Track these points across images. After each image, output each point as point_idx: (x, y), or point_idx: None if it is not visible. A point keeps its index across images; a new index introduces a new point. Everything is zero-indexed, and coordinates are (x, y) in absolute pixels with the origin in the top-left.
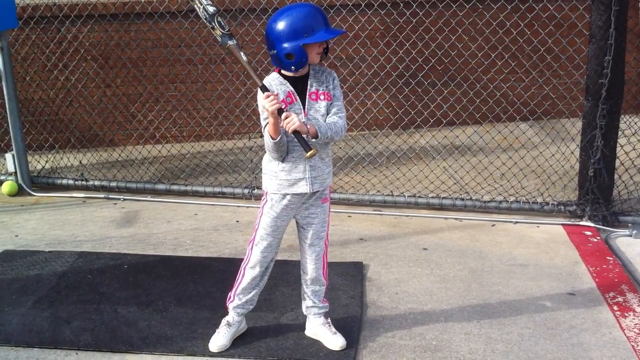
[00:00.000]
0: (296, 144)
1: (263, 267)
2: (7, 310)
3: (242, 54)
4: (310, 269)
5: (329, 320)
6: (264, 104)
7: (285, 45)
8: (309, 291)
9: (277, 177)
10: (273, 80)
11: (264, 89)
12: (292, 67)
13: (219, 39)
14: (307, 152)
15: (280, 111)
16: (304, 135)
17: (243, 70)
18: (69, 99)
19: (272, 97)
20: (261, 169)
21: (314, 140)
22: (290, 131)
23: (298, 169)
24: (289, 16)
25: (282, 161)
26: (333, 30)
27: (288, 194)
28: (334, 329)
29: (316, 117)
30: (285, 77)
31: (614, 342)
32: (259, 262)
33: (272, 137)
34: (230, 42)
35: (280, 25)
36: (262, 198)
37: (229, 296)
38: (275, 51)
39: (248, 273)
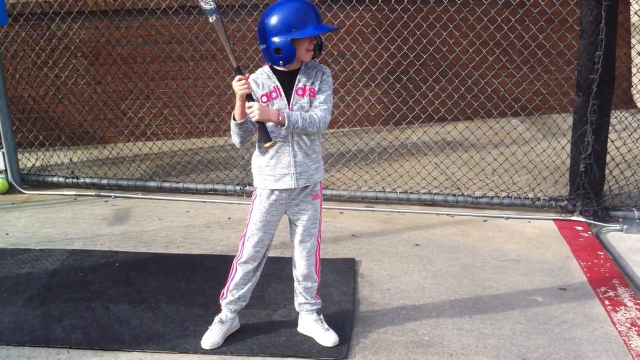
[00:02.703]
0: (280, 140)
1: (255, 262)
2: None
3: (224, 31)
4: (302, 265)
5: (322, 316)
6: (233, 86)
7: (275, 39)
8: (300, 288)
9: (262, 172)
10: (261, 73)
11: (238, 71)
12: (281, 62)
13: (202, 5)
14: (265, 143)
15: (249, 97)
16: (277, 125)
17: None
18: (59, 96)
19: (243, 80)
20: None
21: (283, 129)
22: (252, 120)
23: (282, 164)
24: (280, 11)
25: (264, 155)
26: (323, 27)
27: (275, 190)
28: (326, 326)
29: None
30: (275, 71)
31: (606, 337)
32: (250, 258)
33: (234, 118)
34: (213, 18)
35: (271, 19)
36: (253, 193)
37: (221, 293)
38: (265, 45)
39: (240, 269)
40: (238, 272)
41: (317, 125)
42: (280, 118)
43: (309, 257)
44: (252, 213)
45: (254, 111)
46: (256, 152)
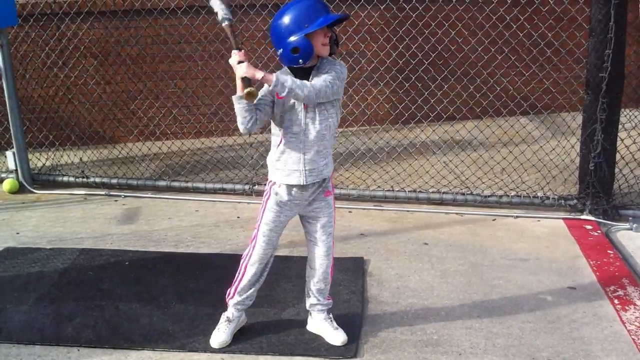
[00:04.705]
0: (292, 137)
1: (263, 263)
2: (9, 307)
3: (232, 32)
4: (320, 265)
5: (331, 315)
6: (230, 61)
7: (290, 40)
8: (314, 289)
9: (274, 167)
10: (281, 72)
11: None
12: (300, 61)
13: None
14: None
15: (247, 81)
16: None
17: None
18: (69, 96)
19: (240, 54)
20: (262, 165)
21: (271, 88)
22: (238, 76)
23: (293, 160)
24: (289, 11)
25: (277, 149)
26: (332, 16)
27: (289, 186)
28: (335, 324)
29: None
30: (292, 70)
31: (615, 336)
32: (260, 259)
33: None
34: (225, 23)
35: (281, 22)
36: (265, 193)
37: (228, 293)
38: (281, 50)
39: (249, 270)
40: (247, 273)
41: (307, 90)
42: (265, 76)
43: (327, 256)
44: (265, 213)
45: (242, 68)
46: (273, 145)
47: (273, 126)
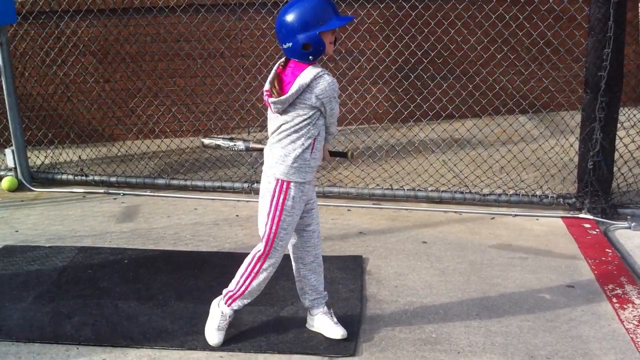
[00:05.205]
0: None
1: (275, 267)
2: (8, 305)
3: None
4: (315, 254)
5: (332, 310)
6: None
7: (302, 35)
8: (313, 280)
9: (306, 165)
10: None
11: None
12: (310, 57)
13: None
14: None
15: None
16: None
17: (242, 64)
18: (68, 94)
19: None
20: (261, 163)
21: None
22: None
23: (320, 156)
24: (302, 7)
25: (312, 148)
26: (344, 18)
27: (304, 183)
28: (335, 319)
29: None
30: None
31: (613, 334)
32: (273, 263)
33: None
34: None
35: (294, 17)
36: (274, 197)
37: (229, 296)
38: (290, 43)
39: (259, 276)
40: (256, 280)
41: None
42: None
43: (320, 242)
44: (282, 217)
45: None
46: (303, 147)
47: (308, 128)
